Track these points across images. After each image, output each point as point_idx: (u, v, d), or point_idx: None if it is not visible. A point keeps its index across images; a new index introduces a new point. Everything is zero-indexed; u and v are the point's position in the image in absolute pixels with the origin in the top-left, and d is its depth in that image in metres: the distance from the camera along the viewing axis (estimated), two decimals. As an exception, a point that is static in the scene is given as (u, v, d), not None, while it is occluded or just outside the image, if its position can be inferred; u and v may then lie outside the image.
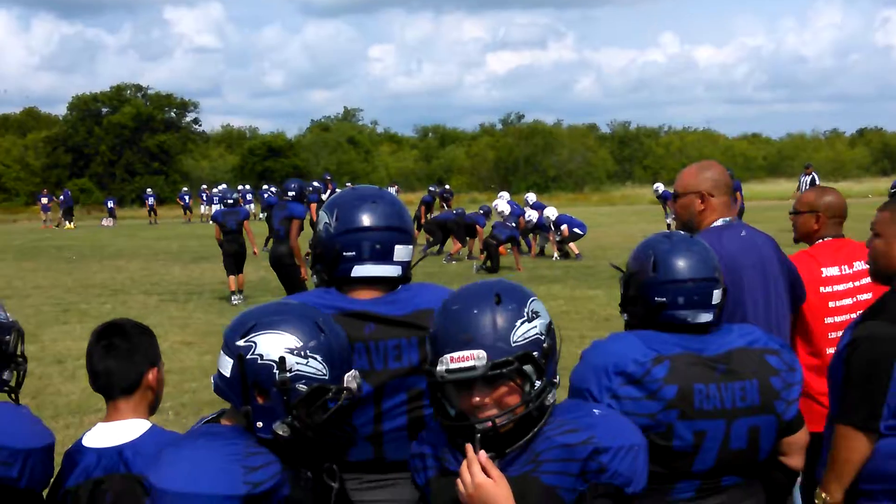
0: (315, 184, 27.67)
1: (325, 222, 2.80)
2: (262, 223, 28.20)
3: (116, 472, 2.74)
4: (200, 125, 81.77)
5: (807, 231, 4.57)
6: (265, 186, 48.86)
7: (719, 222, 3.82)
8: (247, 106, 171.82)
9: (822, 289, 4.28)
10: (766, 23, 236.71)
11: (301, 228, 12.34)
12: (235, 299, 15.39)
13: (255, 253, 16.38)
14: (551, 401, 2.31)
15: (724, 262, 3.59)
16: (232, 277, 15.57)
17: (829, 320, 4.29)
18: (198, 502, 2.12)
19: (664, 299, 2.74)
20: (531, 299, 2.33)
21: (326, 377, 2.24)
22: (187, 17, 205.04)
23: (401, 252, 2.79)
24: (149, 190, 51.84)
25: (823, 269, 4.35)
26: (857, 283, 4.34)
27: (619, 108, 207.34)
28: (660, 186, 31.98)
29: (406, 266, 2.82)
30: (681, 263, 2.75)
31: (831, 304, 4.29)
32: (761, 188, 57.81)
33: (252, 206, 47.61)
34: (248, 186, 50.94)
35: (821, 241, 4.52)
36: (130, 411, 2.88)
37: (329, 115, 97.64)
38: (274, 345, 2.24)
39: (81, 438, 2.87)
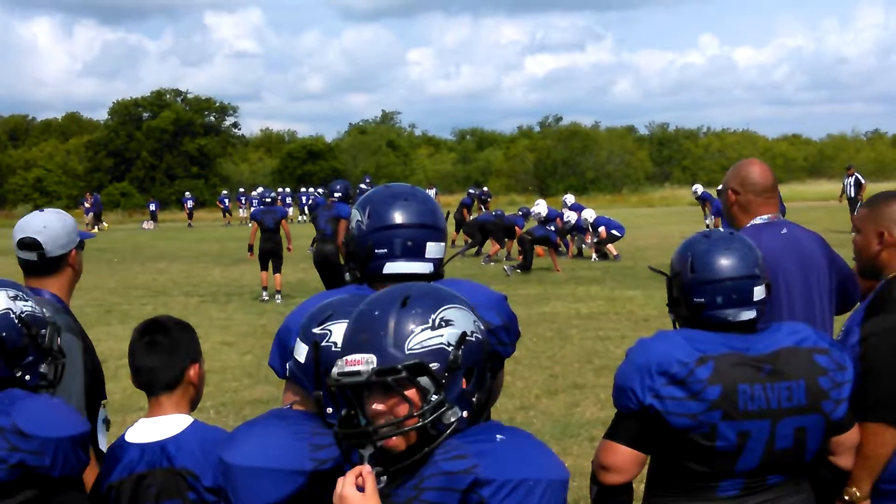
0: (362, 185, 27.73)
1: (358, 220, 2.80)
2: (301, 225, 28.23)
3: (160, 466, 2.77)
4: (240, 129, 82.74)
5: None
6: (303, 189, 49.21)
7: (759, 220, 3.78)
8: (286, 110, 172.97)
9: None
10: (807, 23, 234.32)
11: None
12: (276, 298, 15.67)
13: (289, 249, 16.59)
14: (452, 420, 2.07)
15: (766, 262, 3.59)
16: (264, 274, 15.91)
17: None
18: (264, 476, 2.17)
19: (703, 300, 2.72)
20: (447, 307, 2.14)
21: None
22: (227, 22, 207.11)
23: (433, 249, 2.78)
24: (187, 193, 52.33)
25: None
26: None
27: (658, 110, 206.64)
28: (699, 188, 31.80)
29: (438, 263, 2.81)
30: (718, 262, 2.73)
31: None
32: (802, 189, 57.22)
33: (290, 209, 47.91)
34: (287, 189, 51.29)
35: None
36: (172, 407, 2.90)
37: (367, 118, 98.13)
38: None
39: (124, 434, 2.90)
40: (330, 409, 2.27)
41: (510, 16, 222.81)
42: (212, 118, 78.48)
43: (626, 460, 2.69)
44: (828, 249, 3.77)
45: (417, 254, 2.75)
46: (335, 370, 2.09)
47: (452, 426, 2.07)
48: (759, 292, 2.74)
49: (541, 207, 22.25)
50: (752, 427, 2.60)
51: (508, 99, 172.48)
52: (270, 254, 15.78)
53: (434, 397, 2.04)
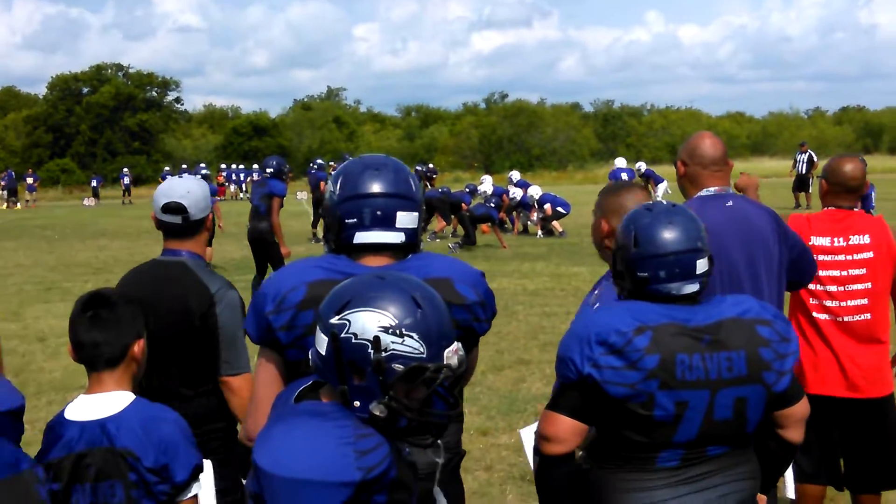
0: (323, 161, 27.30)
1: (331, 191, 2.81)
2: (243, 202, 27.99)
3: (99, 445, 2.71)
4: (183, 104, 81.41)
5: (820, 195, 4.61)
6: (241, 166, 48.76)
7: (705, 192, 3.80)
8: (230, 85, 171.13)
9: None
10: (751, 1, 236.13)
11: (281, 205, 12.27)
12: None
13: (220, 227, 17.81)
14: None
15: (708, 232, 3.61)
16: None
17: (812, 288, 4.32)
18: (310, 490, 2.07)
19: (646, 274, 2.73)
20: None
21: (424, 355, 2.17)
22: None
23: (404, 219, 2.76)
24: (125, 169, 51.60)
25: (814, 238, 4.34)
26: (850, 257, 4.34)
27: (604, 88, 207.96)
28: (642, 165, 31.91)
29: (411, 233, 2.79)
30: (661, 236, 2.73)
31: (821, 273, 4.28)
32: (745, 166, 57.83)
33: (233, 186, 47.54)
34: (241, 166, 50.89)
35: (826, 209, 4.51)
36: (114, 383, 2.84)
37: (313, 94, 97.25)
38: (368, 323, 2.17)
39: (63, 411, 2.83)
40: (357, 403, 2.20)
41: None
42: (154, 93, 77.16)
43: (566, 430, 2.70)
44: (779, 224, 3.78)
45: (387, 223, 2.74)
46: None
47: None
48: (701, 265, 2.74)
49: (486, 185, 22.29)
50: (691, 397, 2.61)
51: (455, 75, 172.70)
52: None
53: None
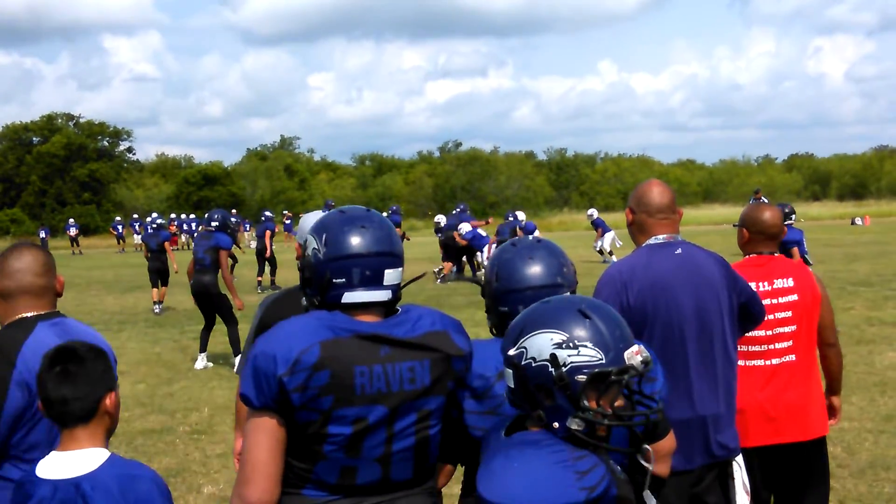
0: (271, 213, 27.37)
1: (314, 248, 2.70)
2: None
3: None
4: (135, 154, 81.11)
5: (739, 244, 4.69)
6: (192, 216, 48.55)
7: (653, 240, 3.82)
8: (185, 135, 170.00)
9: None
10: (701, 50, 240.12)
11: (231, 258, 12.21)
12: (157, 308, 18.60)
13: (175, 270, 19.84)
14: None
15: (654, 281, 3.62)
16: (155, 290, 18.79)
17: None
18: None
19: (506, 308, 2.75)
20: None
21: (603, 361, 2.23)
22: (126, 45, 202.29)
23: (391, 276, 2.71)
24: (71, 220, 51.09)
25: None
26: (775, 301, 4.37)
27: (558, 136, 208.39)
28: (594, 212, 32.16)
29: (396, 288, 2.74)
30: (520, 272, 2.76)
31: None
32: (696, 213, 58.60)
33: (185, 236, 47.26)
34: (193, 216, 50.64)
35: (748, 256, 4.58)
36: (87, 439, 2.74)
37: (266, 143, 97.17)
38: (542, 344, 2.25)
39: (35, 468, 2.72)
40: (556, 424, 2.26)
41: (412, 41, 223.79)
42: (105, 143, 76.85)
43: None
44: (728, 270, 3.80)
45: (375, 282, 2.68)
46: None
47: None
48: None
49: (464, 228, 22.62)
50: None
51: (410, 124, 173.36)
52: (157, 272, 18.66)
53: None
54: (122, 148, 78.51)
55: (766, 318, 4.17)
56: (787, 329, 4.35)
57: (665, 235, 3.81)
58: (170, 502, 2.75)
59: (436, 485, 2.83)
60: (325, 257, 2.66)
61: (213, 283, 12.08)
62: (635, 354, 2.26)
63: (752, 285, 4.33)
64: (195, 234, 24.59)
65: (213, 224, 12.52)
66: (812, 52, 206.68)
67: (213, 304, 12.15)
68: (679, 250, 3.74)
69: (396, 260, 2.73)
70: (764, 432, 4.28)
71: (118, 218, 52.16)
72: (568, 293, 2.77)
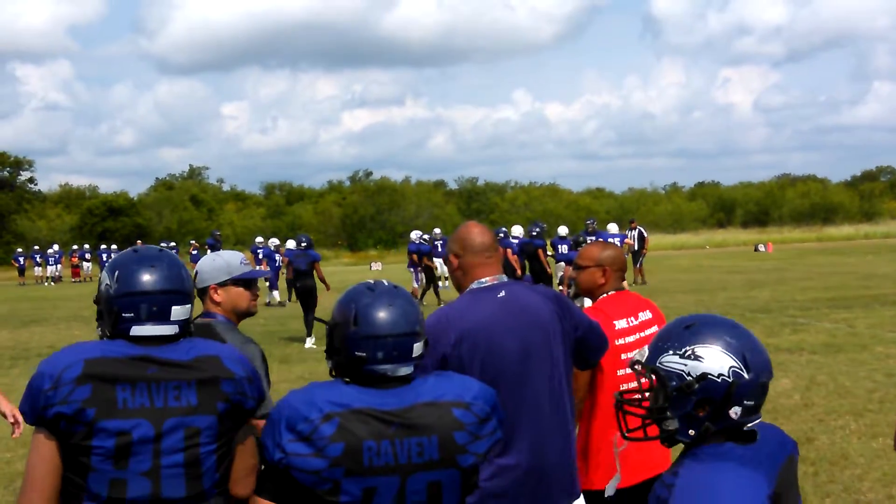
0: (209, 241, 27.47)
1: (106, 283, 2.91)
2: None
3: None
4: (36, 184, 79.36)
5: (592, 286, 4.64)
6: (103, 247, 47.59)
7: (476, 285, 3.75)
8: (93, 165, 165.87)
9: (616, 341, 4.28)
10: (613, 81, 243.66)
11: None
12: None
13: None
14: (669, 428, 2.56)
15: (475, 327, 3.54)
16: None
17: (620, 372, 4.29)
18: None
19: (364, 353, 2.74)
20: (706, 345, 2.51)
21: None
22: (34, 74, 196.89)
23: (178, 312, 2.93)
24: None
25: (615, 322, 4.36)
26: (642, 334, 4.39)
27: (472, 165, 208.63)
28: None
29: (184, 323, 2.96)
30: (381, 317, 2.76)
31: (623, 357, 4.29)
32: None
33: (89, 265, 46.48)
34: (87, 247, 49.64)
35: (605, 294, 4.56)
36: None
37: (175, 173, 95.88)
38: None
39: None
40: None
41: (328, 71, 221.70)
42: (5, 173, 75.08)
43: None
44: (560, 305, 3.74)
45: (162, 318, 2.89)
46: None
47: (670, 433, 2.49)
48: (417, 349, 2.80)
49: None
50: (379, 483, 2.63)
51: (325, 153, 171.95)
52: None
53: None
54: (23, 178, 76.81)
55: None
56: None
57: (489, 278, 3.75)
58: None
59: None
60: (116, 293, 2.88)
61: (314, 286, 17.32)
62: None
63: (624, 322, 4.35)
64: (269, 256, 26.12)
65: (303, 244, 18.10)
66: (721, 82, 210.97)
67: (312, 297, 17.32)
68: (502, 293, 3.69)
69: (183, 297, 2.96)
70: (647, 467, 4.25)
71: (19, 250, 50.95)
72: (423, 341, 2.83)
